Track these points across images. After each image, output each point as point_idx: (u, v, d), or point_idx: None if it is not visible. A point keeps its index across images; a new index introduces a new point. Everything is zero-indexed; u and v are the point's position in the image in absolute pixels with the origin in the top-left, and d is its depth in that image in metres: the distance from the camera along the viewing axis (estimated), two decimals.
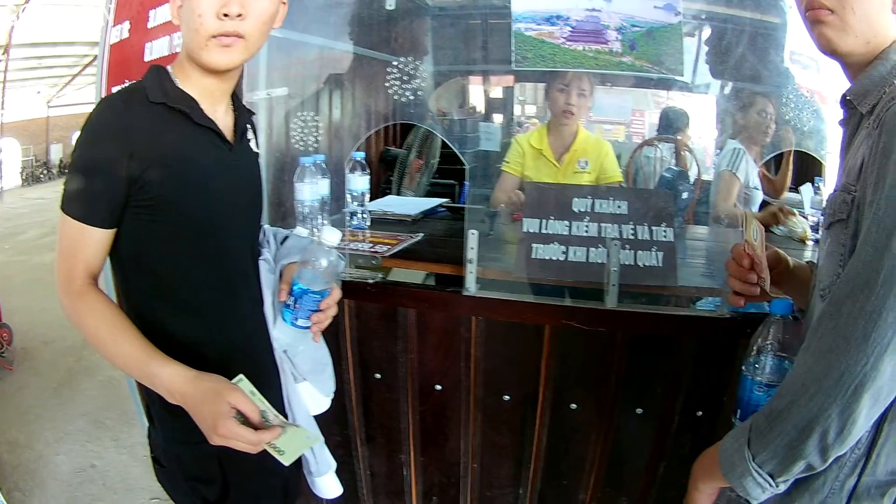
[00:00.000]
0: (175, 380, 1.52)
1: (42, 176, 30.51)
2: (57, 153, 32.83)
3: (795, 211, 2.99)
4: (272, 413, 1.57)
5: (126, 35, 3.27)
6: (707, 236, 2.95)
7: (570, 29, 2.49)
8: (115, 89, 3.13)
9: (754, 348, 1.57)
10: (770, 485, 1.30)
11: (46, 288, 9.41)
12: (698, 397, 2.40)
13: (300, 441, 1.59)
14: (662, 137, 2.92)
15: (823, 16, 1.34)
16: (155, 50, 3.12)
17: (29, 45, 21.20)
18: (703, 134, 2.88)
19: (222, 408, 1.46)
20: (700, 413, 2.41)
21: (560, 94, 2.78)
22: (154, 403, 1.75)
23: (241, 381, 1.55)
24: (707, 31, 2.67)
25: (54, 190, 25.22)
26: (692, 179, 2.97)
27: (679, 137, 2.98)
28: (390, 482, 3.01)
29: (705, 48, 2.64)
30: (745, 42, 2.55)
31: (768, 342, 1.55)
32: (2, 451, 4.78)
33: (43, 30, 19.02)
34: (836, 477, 1.35)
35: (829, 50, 1.39)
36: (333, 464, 2.18)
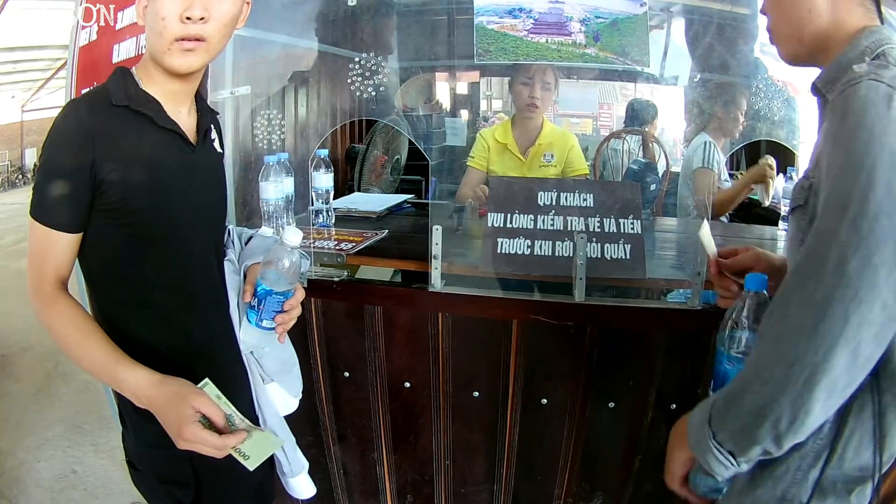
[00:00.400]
0: (141, 384, 1.52)
1: (17, 181, 30.41)
2: (31, 158, 32.68)
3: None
4: (238, 417, 1.57)
5: (94, 37, 3.27)
6: (676, 228, 2.95)
7: (533, 21, 2.50)
8: (84, 91, 3.16)
9: (728, 322, 1.57)
10: (731, 463, 1.30)
11: (24, 293, 9.56)
12: (672, 390, 2.40)
13: (265, 445, 1.59)
14: (629, 130, 2.92)
15: (770, 34, 1.42)
16: (122, 51, 3.11)
17: (3, 49, 21.19)
18: (671, 125, 2.88)
19: (186, 412, 1.46)
20: (674, 406, 2.41)
21: (524, 87, 2.78)
22: (126, 407, 1.75)
23: (207, 385, 1.55)
24: (677, 22, 2.67)
25: (30, 195, 25.49)
26: (660, 171, 2.97)
27: (646, 129, 2.98)
28: (364, 481, 3.02)
29: (679, 39, 2.64)
30: (714, 32, 2.55)
31: (743, 317, 1.54)
32: None
33: (17, 33, 19.00)
34: (798, 466, 1.35)
35: (786, 61, 1.43)
36: (306, 464, 2.18)
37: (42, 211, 1.58)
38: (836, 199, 1.14)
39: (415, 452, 2.83)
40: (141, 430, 1.74)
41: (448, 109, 3.01)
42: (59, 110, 1.63)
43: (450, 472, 2.80)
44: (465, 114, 3.10)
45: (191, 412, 1.47)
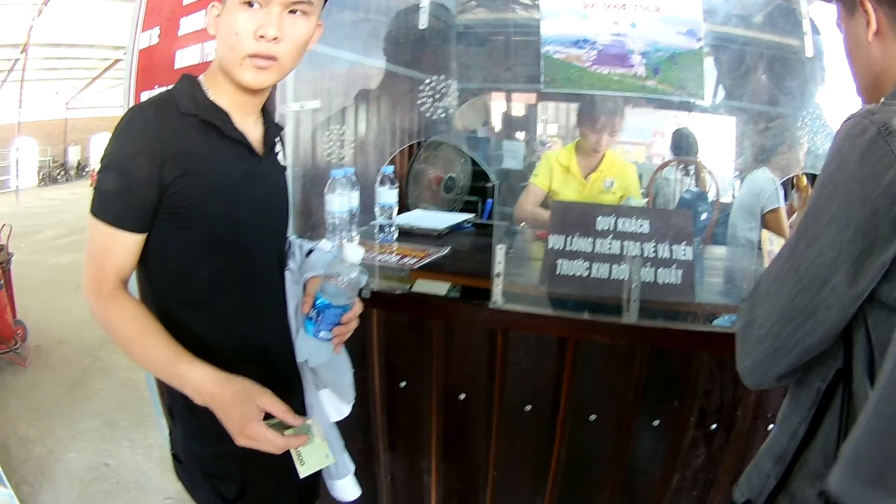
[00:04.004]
0: (204, 381, 1.54)
1: (59, 177, 30.63)
2: (75, 155, 32.89)
3: None
4: (307, 422, 1.62)
5: (156, 41, 3.32)
6: (724, 256, 2.99)
7: (597, 53, 2.53)
8: (143, 94, 3.25)
9: None
10: None
11: (63, 288, 9.35)
12: (713, 411, 2.42)
13: (321, 456, 1.63)
14: (683, 159, 2.96)
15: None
16: (186, 58, 3.16)
17: (49, 45, 21.24)
18: (721, 157, 2.91)
19: (251, 409, 1.50)
20: (714, 426, 2.44)
21: (592, 133, 2.84)
22: (176, 402, 1.77)
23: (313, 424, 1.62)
24: (729, 55, 2.71)
25: (71, 192, 24.90)
26: (710, 201, 3.01)
27: (698, 159, 3.02)
28: (410, 489, 3.04)
29: (723, 71, 2.68)
30: (765, 66, 2.59)
31: None
32: (11, 444, 4.79)
33: (64, 30, 18.99)
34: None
35: (861, 98, 1.50)
36: (352, 467, 2.19)
37: (106, 210, 1.59)
38: (803, 222, 1.26)
39: (463, 463, 2.87)
40: (190, 426, 1.77)
41: (506, 132, 3.05)
42: (124, 114, 1.64)
43: (496, 483, 2.83)
44: (522, 137, 3.13)
45: (255, 410, 1.50)
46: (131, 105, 3.20)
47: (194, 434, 1.77)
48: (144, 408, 5.27)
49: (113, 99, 29.87)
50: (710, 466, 2.48)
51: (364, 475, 2.26)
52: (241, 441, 1.50)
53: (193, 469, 1.85)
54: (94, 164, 31.08)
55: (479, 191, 4.39)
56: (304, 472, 1.59)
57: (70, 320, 7.63)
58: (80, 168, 32.25)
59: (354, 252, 1.72)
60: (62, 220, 17.24)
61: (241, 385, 1.54)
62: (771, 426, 2.19)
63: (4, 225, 7.12)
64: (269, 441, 1.49)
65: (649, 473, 2.61)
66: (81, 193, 24.50)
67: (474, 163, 4.48)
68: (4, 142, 27.55)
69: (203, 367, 1.55)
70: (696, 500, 2.55)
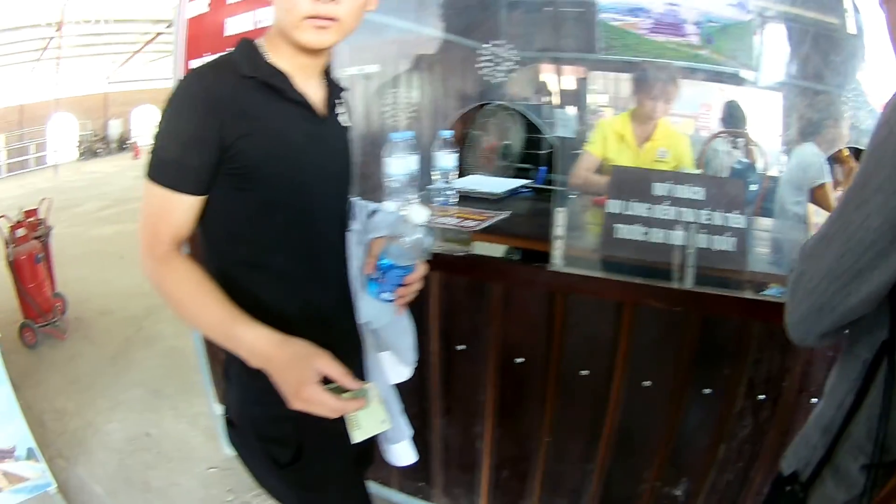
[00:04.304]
0: (261, 343, 1.54)
1: (100, 150, 30.75)
2: (116, 128, 33.03)
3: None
4: (365, 385, 1.60)
5: (206, 9, 3.34)
6: (773, 228, 3.00)
7: (652, 21, 2.55)
8: (193, 62, 3.25)
9: None
10: None
11: (106, 260, 9.36)
12: (761, 381, 2.44)
13: (377, 421, 1.63)
14: (732, 131, 2.97)
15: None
16: (236, 25, 3.18)
17: (87, 21, 21.41)
18: (768, 131, 2.92)
19: (308, 372, 1.48)
20: (762, 396, 2.45)
21: (648, 99, 2.86)
22: (232, 365, 1.79)
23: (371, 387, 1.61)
24: (775, 29, 2.72)
25: (113, 164, 24.96)
26: (759, 173, 3.03)
27: (747, 132, 3.03)
28: (463, 454, 3.09)
29: (769, 45, 2.69)
30: (809, 41, 2.60)
31: None
32: (47, 418, 4.79)
33: (101, 6, 19.14)
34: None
35: None
36: (410, 431, 2.21)
37: (163, 173, 1.59)
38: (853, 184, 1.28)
39: (518, 428, 2.90)
40: (247, 388, 1.79)
41: (562, 100, 3.06)
42: (181, 78, 1.63)
43: (549, 449, 2.86)
44: (573, 105, 3.14)
45: (312, 373, 1.48)
46: (180, 73, 3.24)
47: (250, 397, 1.80)
48: (191, 376, 5.23)
49: (155, 72, 30.46)
50: (756, 438, 2.49)
51: (417, 441, 2.29)
52: (296, 405, 1.50)
53: (247, 433, 1.86)
54: (137, 137, 31.60)
55: (532, 158, 4.41)
56: (358, 436, 1.60)
57: (113, 291, 7.64)
58: (122, 141, 32.35)
59: (419, 213, 1.76)
60: (104, 193, 17.21)
61: (299, 347, 1.54)
62: (814, 400, 2.23)
63: (44, 199, 7.14)
64: (325, 404, 1.49)
65: (697, 443, 2.63)
66: (124, 166, 24.68)
67: (527, 130, 4.54)
68: (42, 119, 27.63)
69: (259, 329, 1.55)
70: (741, 472, 2.57)
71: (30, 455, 3.55)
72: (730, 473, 2.59)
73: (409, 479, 3.37)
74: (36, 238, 6.53)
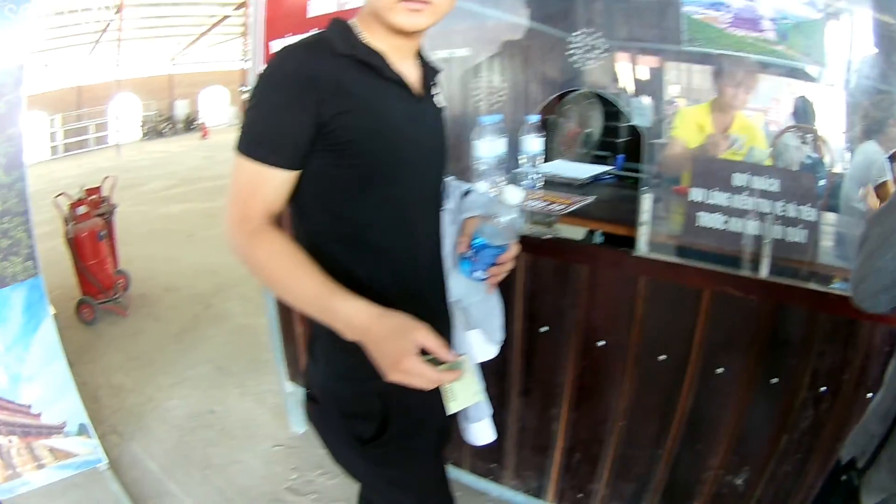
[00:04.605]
0: (359, 315, 1.54)
1: (165, 131, 31.05)
2: (182, 109, 33.43)
3: None
4: (460, 357, 1.60)
5: None
6: (837, 223, 3.05)
7: (732, 16, 2.61)
8: (273, 42, 3.33)
9: None
10: None
11: (172, 238, 9.37)
12: (824, 373, 2.47)
13: (471, 393, 1.65)
14: (802, 126, 3.02)
15: None
16: (319, 6, 3.24)
17: (150, 4, 21.66)
18: (834, 127, 2.96)
19: (408, 344, 1.49)
20: (824, 389, 2.48)
21: (729, 88, 2.90)
22: (320, 339, 1.84)
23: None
24: (843, 28, 2.76)
25: (179, 144, 25.17)
26: (826, 169, 3.08)
27: (816, 128, 3.08)
28: (537, 436, 3.15)
29: (837, 43, 2.73)
30: (873, 42, 2.64)
31: None
32: (103, 394, 4.83)
33: None
34: None
35: None
36: (490, 411, 2.24)
37: (256, 148, 1.61)
38: None
39: (594, 411, 2.95)
40: (334, 364, 1.82)
41: (643, 90, 3.09)
42: (275, 54, 1.64)
43: (622, 433, 2.92)
44: (652, 95, 3.17)
45: (412, 345, 1.49)
46: (259, 54, 3.34)
47: (337, 372, 1.83)
48: (260, 354, 5.31)
49: (221, 54, 31.28)
50: (815, 430, 2.52)
51: (494, 421, 2.33)
52: (394, 376, 1.51)
53: (331, 409, 1.89)
54: (205, 118, 32.08)
55: (610, 146, 4.46)
56: (453, 407, 1.63)
57: (180, 269, 7.71)
58: (189, 121, 32.67)
59: (514, 194, 1.80)
60: (170, 172, 17.28)
61: (398, 319, 1.54)
62: (870, 395, 2.24)
63: (107, 177, 7.21)
64: (424, 375, 1.49)
65: (761, 432, 2.66)
66: (190, 146, 24.82)
67: (605, 119, 4.59)
68: (102, 99, 27.90)
69: (357, 302, 1.56)
70: (798, 464, 2.60)
71: (81, 431, 3.56)
72: (788, 465, 2.63)
73: (481, 459, 3.42)
74: (99, 215, 6.60)
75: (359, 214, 1.73)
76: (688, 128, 3.02)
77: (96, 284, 6.29)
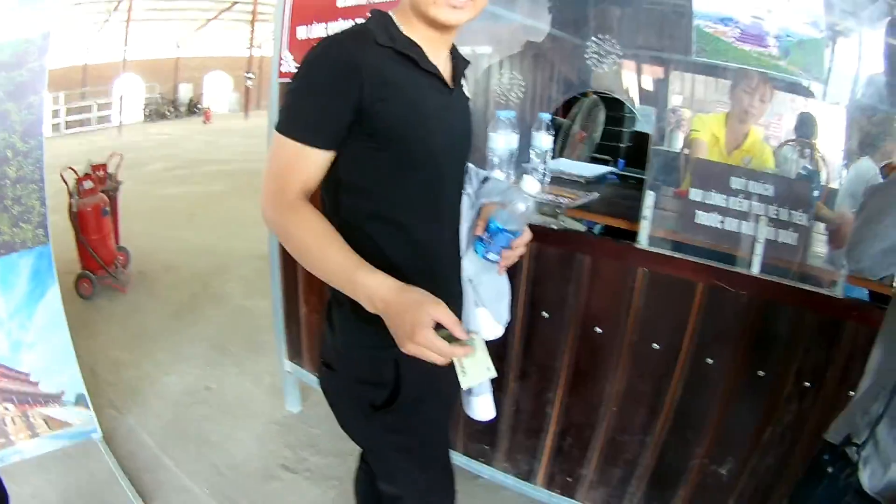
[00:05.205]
0: (381, 288, 1.62)
1: (168, 113, 31.13)
2: (186, 92, 33.65)
3: None
4: (469, 335, 1.68)
5: None
6: (824, 232, 3.15)
7: (739, 31, 2.73)
8: (300, 28, 3.48)
9: None
10: None
11: (173, 218, 9.53)
12: (809, 369, 2.58)
13: (482, 369, 1.71)
14: (801, 140, 3.11)
15: None
16: None
17: None
18: (831, 144, 3.04)
19: (424, 317, 1.56)
20: (808, 384, 2.59)
21: (745, 94, 2.98)
22: (342, 308, 1.91)
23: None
24: (844, 48, 2.86)
25: (182, 127, 25.39)
26: (822, 183, 3.18)
27: (814, 142, 3.18)
28: (531, 419, 3.26)
29: (837, 63, 2.83)
30: (874, 61, 2.73)
31: None
32: (100, 369, 4.88)
33: None
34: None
35: None
36: (491, 388, 2.31)
37: (297, 129, 1.72)
38: None
39: (587, 396, 3.06)
40: (352, 331, 1.91)
41: (646, 97, 3.18)
42: (319, 42, 1.75)
43: (613, 418, 3.04)
44: (660, 103, 3.25)
45: (427, 318, 1.55)
46: (284, 40, 3.50)
47: (357, 340, 1.92)
48: (259, 335, 5.43)
49: (227, 40, 31.63)
50: (799, 424, 2.62)
51: None
52: (408, 348, 1.59)
53: (346, 376, 2.00)
54: (209, 102, 32.35)
55: (613, 150, 4.58)
56: (465, 382, 1.70)
57: (180, 249, 7.81)
58: (193, 105, 32.87)
59: (532, 184, 1.90)
60: (172, 154, 17.45)
61: (417, 294, 1.62)
62: (852, 392, 2.26)
63: (113, 154, 7.28)
64: (437, 348, 1.56)
65: (746, 424, 2.76)
66: (193, 130, 25.01)
67: (611, 123, 4.72)
68: (106, 79, 28.05)
69: (381, 276, 1.65)
70: (780, 458, 2.70)
71: (79, 401, 3.64)
72: (770, 458, 2.74)
73: (474, 441, 3.53)
74: (104, 192, 6.65)
75: (390, 195, 1.84)
76: (706, 133, 3.13)
77: (97, 260, 6.37)
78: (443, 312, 1.59)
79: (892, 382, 1.68)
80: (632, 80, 3.08)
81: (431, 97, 1.86)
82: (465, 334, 1.63)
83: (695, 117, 3.02)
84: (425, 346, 1.56)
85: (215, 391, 4.81)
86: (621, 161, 4.28)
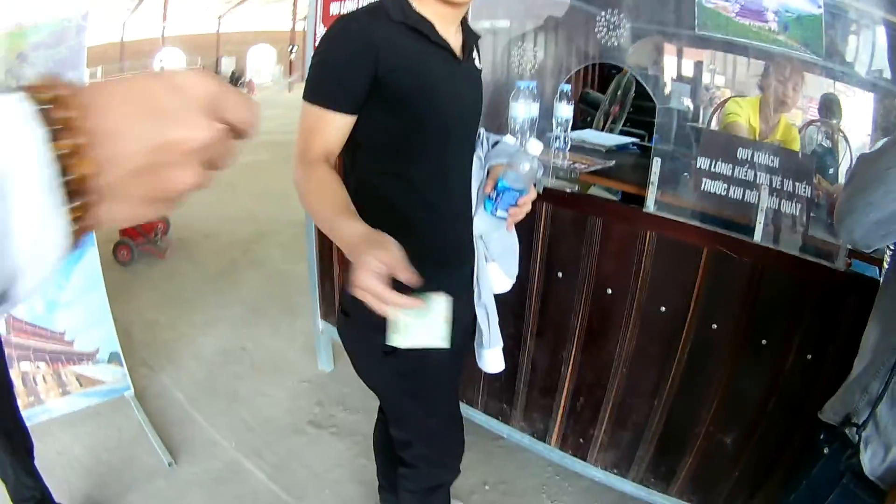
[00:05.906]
0: (352, 233, 1.64)
1: None
2: (229, 66, 34.09)
3: None
4: (439, 298, 1.68)
5: None
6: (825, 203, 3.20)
7: (739, 6, 2.82)
8: (333, 4, 3.68)
9: None
10: None
11: (214, 187, 9.84)
12: (811, 340, 2.63)
13: (429, 334, 1.69)
14: (823, 120, 3.15)
15: None
16: None
17: None
18: (854, 126, 3.09)
19: (367, 260, 1.47)
20: (809, 357, 2.63)
21: (779, 84, 3.01)
22: None
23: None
24: (842, 24, 2.90)
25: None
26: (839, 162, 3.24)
27: (837, 123, 3.22)
28: (547, 377, 3.40)
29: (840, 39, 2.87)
30: (875, 37, 2.75)
31: None
32: (135, 330, 5.08)
33: None
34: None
35: None
36: (501, 342, 2.47)
37: (319, 95, 1.91)
38: None
39: (599, 355, 3.18)
40: None
41: (673, 74, 3.25)
42: (337, 19, 1.92)
43: (623, 379, 3.15)
44: (687, 80, 3.29)
45: (372, 260, 1.47)
46: (318, 13, 3.72)
47: None
48: (295, 297, 5.60)
49: (269, 15, 31.89)
50: (801, 396, 2.68)
51: (508, 361, 2.58)
52: (354, 291, 1.50)
53: (360, 322, 2.15)
54: (252, 74, 33.05)
55: (643, 125, 4.65)
56: (396, 339, 1.70)
57: (220, 216, 7.94)
58: (236, 78, 33.15)
59: (535, 146, 2.05)
60: None
61: (374, 236, 1.59)
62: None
63: None
64: (371, 289, 1.47)
65: (751, 392, 2.82)
66: None
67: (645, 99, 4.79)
68: (147, 54, 28.42)
69: (355, 223, 1.68)
70: (783, 430, 2.76)
71: (112, 359, 3.80)
72: (774, 430, 2.80)
73: (494, 398, 3.68)
74: None
75: (401, 154, 2.03)
76: (742, 116, 3.15)
77: (137, 227, 6.45)
78: (387, 255, 1.50)
79: (892, 360, 1.74)
80: (651, 57, 3.14)
81: (440, 67, 2.02)
82: (413, 278, 1.49)
83: (730, 101, 3.09)
84: (362, 288, 1.49)
85: (249, 351, 4.96)
86: (657, 135, 4.36)
